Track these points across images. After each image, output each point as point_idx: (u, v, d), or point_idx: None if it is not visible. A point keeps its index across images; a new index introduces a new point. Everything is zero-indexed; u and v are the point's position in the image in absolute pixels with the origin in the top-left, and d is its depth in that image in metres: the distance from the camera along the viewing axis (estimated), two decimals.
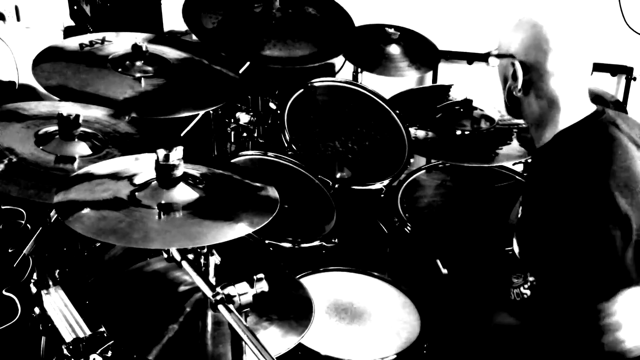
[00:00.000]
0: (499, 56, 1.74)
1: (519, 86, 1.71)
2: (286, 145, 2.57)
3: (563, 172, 1.64)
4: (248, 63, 2.66)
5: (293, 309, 1.88)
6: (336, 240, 2.41)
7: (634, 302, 1.60)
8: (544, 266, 1.68)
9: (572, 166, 1.63)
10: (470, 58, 3.42)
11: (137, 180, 1.65)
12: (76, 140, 1.93)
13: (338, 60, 3.37)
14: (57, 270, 2.22)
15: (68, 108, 1.94)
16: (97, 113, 2.07)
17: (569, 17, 1.68)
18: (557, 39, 1.66)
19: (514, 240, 1.77)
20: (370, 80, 3.11)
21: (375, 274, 2.28)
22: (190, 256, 1.63)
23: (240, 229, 1.55)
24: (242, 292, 1.49)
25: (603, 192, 1.56)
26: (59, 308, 2.05)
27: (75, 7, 3.64)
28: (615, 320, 1.58)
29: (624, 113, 1.82)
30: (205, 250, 1.62)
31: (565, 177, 1.62)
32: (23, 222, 3.18)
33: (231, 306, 1.47)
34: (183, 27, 2.64)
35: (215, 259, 1.63)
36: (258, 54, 2.56)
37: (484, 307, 2.07)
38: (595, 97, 2.31)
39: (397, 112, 2.67)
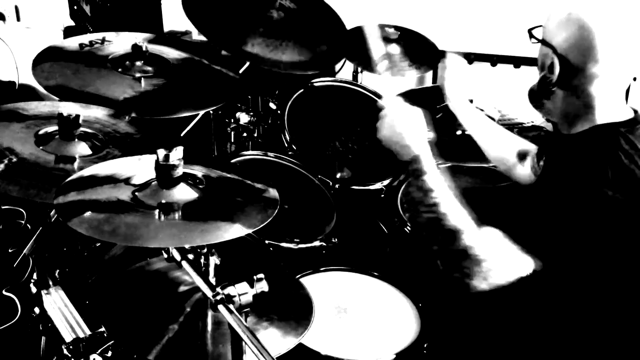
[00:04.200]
0: (540, 41, 1.66)
1: (554, 80, 1.63)
2: (286, 145, 2.57)
3: (594, 165, 1.55)
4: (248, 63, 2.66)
5: (293, 309, 1.88)
6: (336, 240, 2.41)
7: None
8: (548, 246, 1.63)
9: (606, 162, 1.55)
10: (470, 58, 3.42)
11: (136, 181, 1.65)
12: (76, 140, 1.93)
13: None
14: (57, 270, 2.22)
15: (68, 108, 1.94)
16: (97, 113, 2.07)
17: (619, 22, 1.57)
18: (605, 47, 1.56)
19: None
20: (370, 80, 3.11)
21: (375, 273, 2.28)
22: (190, 256, 1.63)
23: (239, 229, 1.55)
24: (242, 292, 1.49)
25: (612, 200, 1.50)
26: (59, 308, 2.05)
27: (75, 7, 3.64)
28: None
29: None
30: (205, 250, 1.62)
31: (594, 170, 1.54)
32: (23, 222, 3.18)
33: (231, 306, 1.47)
34: (183, 27, 2.64)
35: (215, 259, 1.63)
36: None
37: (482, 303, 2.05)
38: None
39: None
